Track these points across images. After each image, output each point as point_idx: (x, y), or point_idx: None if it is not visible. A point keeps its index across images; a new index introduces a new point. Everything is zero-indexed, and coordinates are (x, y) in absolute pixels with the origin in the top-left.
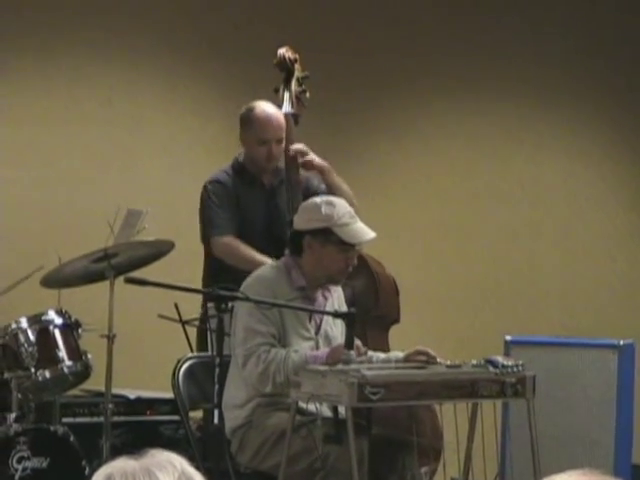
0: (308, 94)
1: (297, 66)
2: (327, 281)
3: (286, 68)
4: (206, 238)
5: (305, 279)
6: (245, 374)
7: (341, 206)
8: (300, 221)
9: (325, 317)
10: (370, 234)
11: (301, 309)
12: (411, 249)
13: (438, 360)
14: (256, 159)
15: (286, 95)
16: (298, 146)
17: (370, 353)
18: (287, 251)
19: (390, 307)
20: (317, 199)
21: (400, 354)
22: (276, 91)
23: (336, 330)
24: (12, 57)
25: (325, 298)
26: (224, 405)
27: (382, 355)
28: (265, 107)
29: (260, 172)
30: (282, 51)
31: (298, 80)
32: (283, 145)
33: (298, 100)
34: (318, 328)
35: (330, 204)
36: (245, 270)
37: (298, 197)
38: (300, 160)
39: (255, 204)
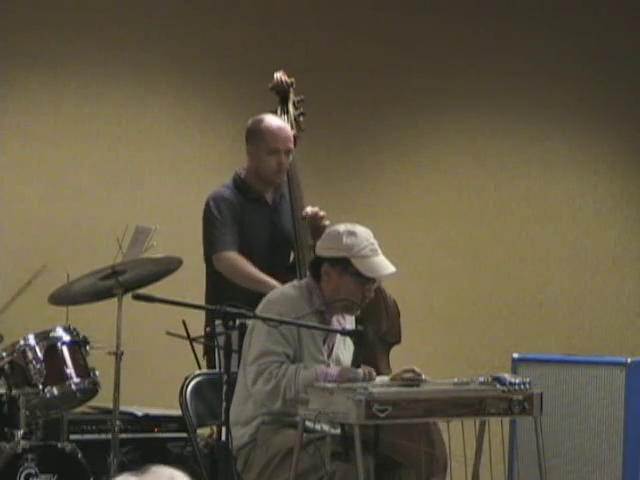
0: (302, 118)
1: (292, 90)
2: (343, 309)
3: (282, 92)
4: (208, 255)
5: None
6: (254, 391)
7: (363, 237)
8: (321, 248)
9: (337, 342)
10: (389, 269)
11: (308, 327)
12: (419, 266)
13: (424, 377)
14: (265, 171)
15: (284, 118)
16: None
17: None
18: (308, 272)
19: (395, 329)
20: (341, 227)
21: (385, 378)
22: (273, 114)
23: (347, 355)
24: (22, 74)
25: (339, 324)
26: (230, 423)
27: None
28: (273, 118)
29: (264, 187)
30: (278, 75)
31: (294, 103)
32: (290, 159)
33: (297, 123)
34: (330, 351)
35: (352, 234)
36: (246, 288)
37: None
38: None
39: (259, 222)
